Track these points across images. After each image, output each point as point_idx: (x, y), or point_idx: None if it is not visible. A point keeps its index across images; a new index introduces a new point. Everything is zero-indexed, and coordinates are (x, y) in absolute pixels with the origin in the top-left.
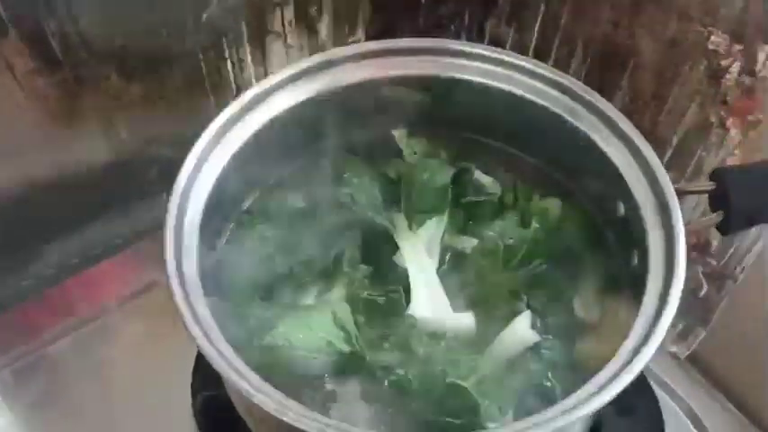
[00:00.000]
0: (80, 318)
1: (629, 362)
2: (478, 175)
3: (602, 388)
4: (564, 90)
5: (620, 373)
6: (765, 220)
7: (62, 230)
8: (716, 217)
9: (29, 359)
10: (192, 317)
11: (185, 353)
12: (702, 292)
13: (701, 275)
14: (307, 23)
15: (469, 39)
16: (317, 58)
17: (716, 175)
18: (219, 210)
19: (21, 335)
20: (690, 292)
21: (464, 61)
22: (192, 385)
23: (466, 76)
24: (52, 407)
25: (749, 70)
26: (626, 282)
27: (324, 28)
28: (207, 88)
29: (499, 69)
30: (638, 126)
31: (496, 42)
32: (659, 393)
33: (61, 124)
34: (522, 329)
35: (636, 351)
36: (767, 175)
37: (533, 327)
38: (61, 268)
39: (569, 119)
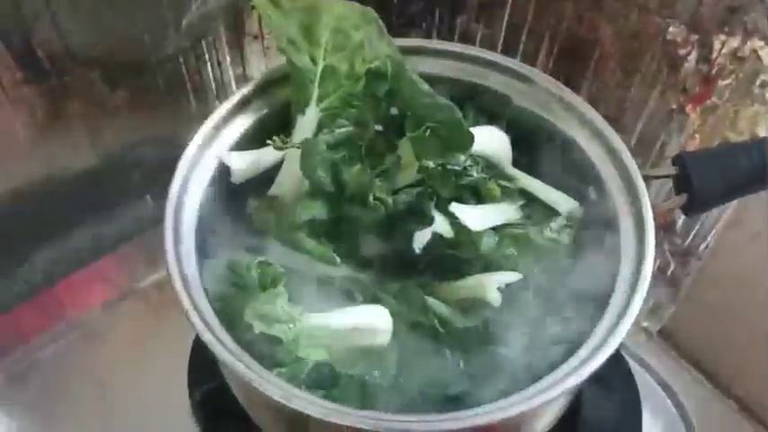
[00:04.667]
0: (71, 320)
1: (607, 337)
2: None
3: (583, 362)
4: (531, 83)
5: (600, 347)
6: (725, 200)
7: (50, 235)
8: (680, 199)
9: (22, 364)
10: (193, 306)
11: (177, 350)
12: (670, 270)
13: (667, 254)
14: None
15: (440, 36)
16: None
17: (678, 160)
18: (218, 203)
19: (13, 340)
20: (659, 270)
21: (439, 60)
22: (189, 380)
23: (444, 73)
24: (49, 411)
25: (706, 59)
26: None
27: None
28: (188, 91)
29: (471, 66)
30: (603, 114)
31: (467, 38)
32: (634, 367)
33: (48, 131)
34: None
35: (612, 328)
36: (725, 159)
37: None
38: (50, 273)
39: (540, 112)
